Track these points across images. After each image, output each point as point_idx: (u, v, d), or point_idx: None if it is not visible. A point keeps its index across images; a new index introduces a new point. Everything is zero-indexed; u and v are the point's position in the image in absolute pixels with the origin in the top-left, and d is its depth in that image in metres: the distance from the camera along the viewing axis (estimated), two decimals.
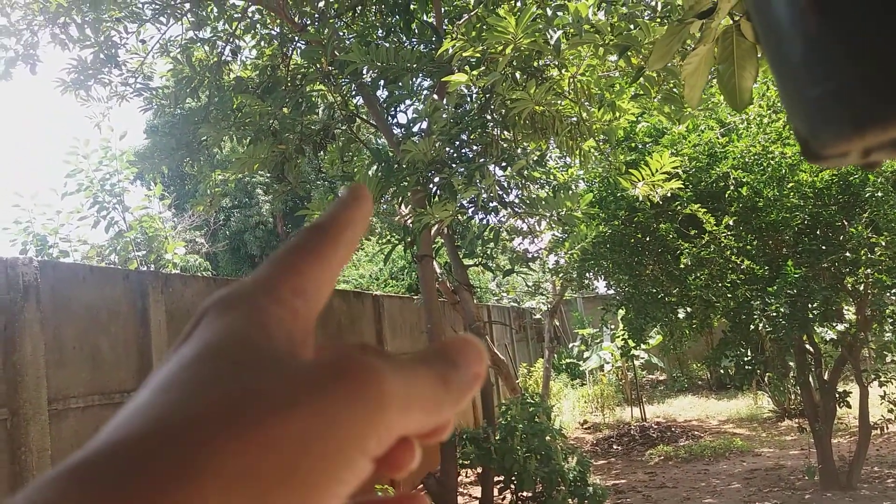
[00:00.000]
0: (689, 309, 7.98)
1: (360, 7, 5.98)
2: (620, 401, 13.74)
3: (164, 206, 10.10)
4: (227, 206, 19.01)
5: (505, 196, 6.11)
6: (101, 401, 4.20)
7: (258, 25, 6.66)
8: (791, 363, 8.28)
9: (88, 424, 4.08)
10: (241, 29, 6.53)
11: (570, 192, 6.61)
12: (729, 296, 7.15)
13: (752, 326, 6.94)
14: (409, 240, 6.39)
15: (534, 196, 6.39)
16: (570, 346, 16.84)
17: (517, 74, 4.56)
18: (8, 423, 3.60)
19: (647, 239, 7.81)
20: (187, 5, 5.86)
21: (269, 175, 7.34)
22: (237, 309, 0.27)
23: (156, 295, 4.69)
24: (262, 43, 6.83)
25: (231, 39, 6.53)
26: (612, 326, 13.58)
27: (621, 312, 9.55)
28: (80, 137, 7.57)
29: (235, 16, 6.44)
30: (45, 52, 5.80)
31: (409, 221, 6.31)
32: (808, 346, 7.50)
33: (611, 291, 10.12)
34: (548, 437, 6.80)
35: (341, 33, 6.15)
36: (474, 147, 5.86)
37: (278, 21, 6.48)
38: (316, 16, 6.08)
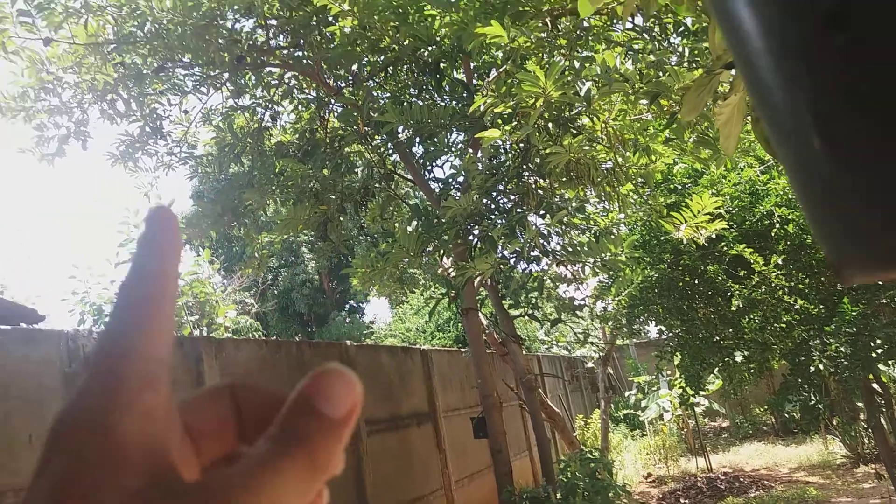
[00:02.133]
0: (745, 352, 7.68)
1: (391, 68, 6.12)
2: (684, 450, 13.21)
3: (213, 270, 10.35)
4: (275, 266, 19.39)
5: (546, 244, 6.05)
6: None
7: (295, 91, 6.88)
8: (860, 405, 7.84)
9: None
10: (279, 95, 6.75)
11: (612, 236, 6.50)
12: (785, 337, 6.86)
13: (812, 368, 6.62)
14: (452, 294, 6.36)
15: (575, 242, 6.31)
16: (627, 394, 16.36)
17: (549, 126, 4.55)
18: None
19: (696, 282, 7.61)
20: (226, 75, 6.09)
21: (312, 234, 7.45)
22: (83, 431, 0.26)
23: (210, 361, 4.76)
24: (300, 107, 7.04)
25: (270, 106, 6.75)
26: (668, 373, 13.18)
27: (677, 358, 9.26)
28: (131, 207, 7.86)
29: (273, 83, 6.67)
30: (94, 128, 6.08)
31: (452, 274, 6.29)
32: (875, 386, 7.10)
33: (663, 337, 9.84)
34: (611, 494, 6.56)
35: (375, 94, 6.29)
36: (511, 197, 5.85)
37: (314, 85, 6.68)
38: (350, 78, 6.25)
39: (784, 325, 6.86)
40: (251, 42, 5.79)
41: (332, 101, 6.52)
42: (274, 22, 5.80)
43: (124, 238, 7.89)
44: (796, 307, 6.68)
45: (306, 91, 6.90)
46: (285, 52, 6.19)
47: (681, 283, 7.70)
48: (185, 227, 7.37)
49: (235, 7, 5.25)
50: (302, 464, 0.27)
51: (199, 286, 8.22)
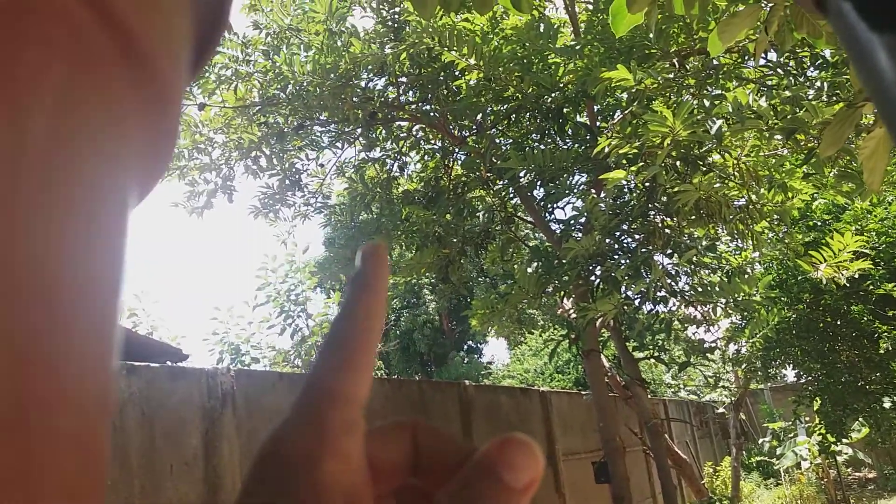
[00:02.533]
0: (895, 398, 7.11)
1: (514, 116, 6.27)
2: (824, 502, 12.23)
3: None
4: (397, 308, 19.88)
5: (674, 284, 5.91)
6: None
7: (422, 142, 7.18)
8: None
9: None
10: (407, 147, 7.07)
11: (746, 275, 6.26)
12: None
13: None
14: (573, 335, 6.32)
15: (706, 282, 6.13)
16: (760, 441, 15.39)
17: (677, 164, 4.51)
18: None
19: (838, 322, 7.15)
20: (359, 130, 6.47)
21: (434, 276, 7.67)
22: (290, 468, 0.27)
23: None
24: (426, 157, 7.34)
25: (398, 157, 7.08)
26: (807, 419, 12.31)
27: (816, 404, 8.67)
28: (269, 254, 8.41)
29: (402, 135, 7.00)
30: (238, 182, 6.59)
31: (573, 316, 6.26)
32: None
33: (801, 381, 9.26)
34: None
35: (498, 140, 6.46)
36: (636, 237, 5.79)
37: (440, 136, 6.95)
38: (474, 128, 6.46)
39: None
40: (383, 99, 6.13)
41: (457, 149, 6.76)
42: (404, 79, 6.13)
43: (262, 282, 8.42)
44: None
45: (432, 142, 7.20)
46: (414, 106, 6.50)
47: (821, 325, 7.27)
48: (317, 271, 7.78)
49: (369, 67, 5.60)
50: None
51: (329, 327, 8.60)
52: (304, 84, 5.46)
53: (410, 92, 6.52)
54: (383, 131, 6.88)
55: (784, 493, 12.91)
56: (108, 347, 0.17)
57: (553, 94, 5.55)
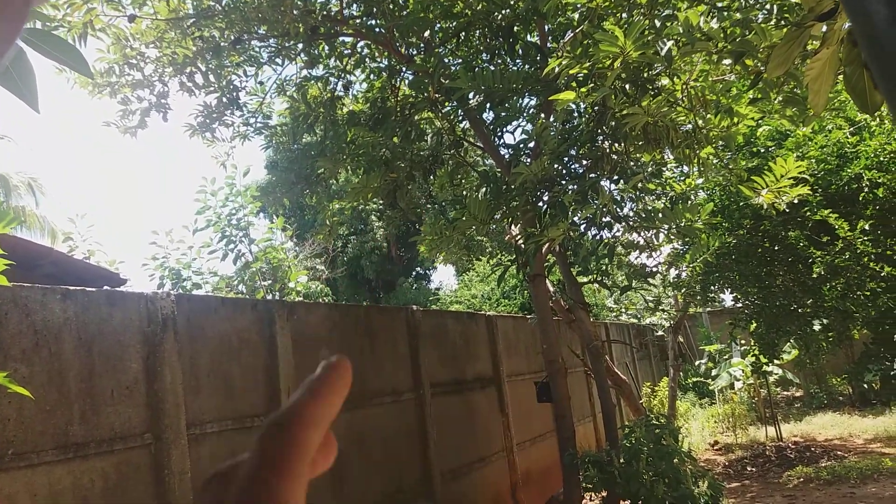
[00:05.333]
0: (825, 321, 7.44)
1: (463, 33, 6.06)
2: (754, 420, 12.96)
3: (286, 237, 10.61)
4: (344, 234, 19.72)
5: (619, 210, 5.95)
6: (234, 426, 4.41)
7: (367, 60, 6.91)
8: None
9: (224, 448, 4.30)
10: (351, 65, 6.80)
11: (690, 202, 6.34)
12: (869, 305, 6.60)
13: None
14: (521, 261, 6.35)
15: (650, 208, 6.18)
16: (697, 363, 16.11)
17: (627, 87, 4.44)
18: (152, 448, 3.85)
19: (776, 248, 7.37)
20: (300, 46, 6.16)
21: (382, 202, 7.55)
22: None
23: (282, 322, 4.90)
24: (372, 76, 7.08)
25: (343, 75, 6.81)
26: (742, 342, 12.86)
27: (751, 326, 9.03)
28: (208, 177, 8.10)
29: (346, 52, 6.71)
30: (173, 100, 6.27)
31: (521, 241, 6.27)
32: None
33: (738, 305, 9.60)
34: (676, 460, 6.51)
35: (446, 60, 6.26)
36: (584, 162, 5.76)
37: (386, 54, 6.69)
38: (422, 46, 6.23)
39: (868, 293, 6.61)
40: (325, 12, 5.83)
41: (404, 69, 6.53)
42: None
43: (201, 206, 8.15)
44: (883, 274, 6.41)
45: (378, 60, 6.93)
46: (358, 21, 6.21)
47: (759, 250, 7.47)
48: (260, 195, 7.57)
49: None
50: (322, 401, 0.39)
51: (273, 252, 8.45)
52: None
53: (355, 5, 6.22)
54: (326, 47, 6.59)
55: (717, 411, 13.61)
56: None
57: (503, 11, 5.37)
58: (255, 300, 5.32)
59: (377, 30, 6.09)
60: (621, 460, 6.44)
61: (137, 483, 3.74)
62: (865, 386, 12.81)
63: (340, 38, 6.52)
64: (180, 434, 3.97)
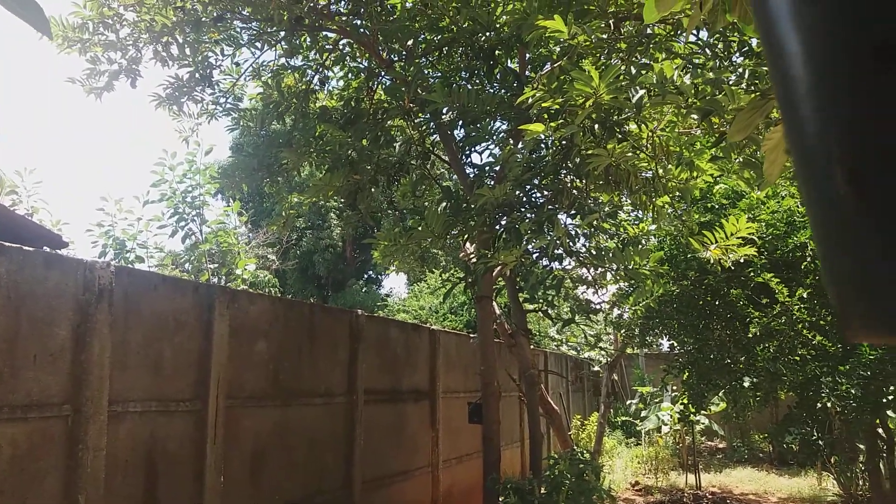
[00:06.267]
0: (754, 379, 7.67)
1: (446, 48, 6.10)
2: (676, 465, 13.24)
3: (240, 222, 10.46)
4: (300, 227, 19.54)
5: (572, 244, 6.05)
6: (158, 407, 4.31)
7: (347, 58, 6.89)
8: (861, 446, 7.82)
9: (144, 429, 4.20)
10: (331, 60, 6.77)
11: (640, 246, 6.48)
12: (798, 370, 6.84)
13: (819, 404, 6.61)
14: (470, 280, 6.39)
15: (602, 247, 6.30)
16: (628, 402, 16.39)
17: (595, 127, 4.54)
18: (69, 420, 3.74)
19: (717, 303, 7.58)
20: (282, 34, 6.11)
21: (342, 201, 7.51)
22: None
23: (221, 309, 4.82)
24: (350, 75, 7.06)
25: (320, 69, 6.77)
26: (674, 388, 13.15)
27: (684, 375, 9.25)
28: (168, 150, 7.93)
29: (327, 47, 6.68)
30: (144, 68, 6.13)
31: (473, 261, 6.31)
32: (880, 431, 7.07)
33: (674, 352, 9.83)
34: (595, 497, 6.60)
35: (426, 72, 6.28)
36: (545, 193, 5.85)
37: (367, 56, 6.69)
38: (403, 53, 6.25)
39: (798, 359, 6.84)
40: (312, 4, 5.80)
41: (382, 73, 6.53)
42: None
43: (157, 178, 7.98)
44: (814, 342, 6.64)
45: (358, 60, 6.92)
46: (344, 18, 6.20)
47: (701, 303, 7.67)
48: (219, 177, 7.45)
49: None
50: None
51: (224, 236, 8.32)
52: None
53: (342, 2, 6.20)
54: (308, 39, 6.55)
55: (642, 452, 13.85)
56: None
57: (488, 34, 5.42)
58: (197, 283, 5.22)
59: (361, 30, 6.08)
60: (542, 490, 6.51)
61: (48, 454, 3.62)
62: (785, 447, 13.23)
63: (323, 33, 6.49)
64: (101, 409, 3.87)
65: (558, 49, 4.82)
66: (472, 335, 9.41)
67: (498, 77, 5.92)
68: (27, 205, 7.49)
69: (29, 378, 3.56)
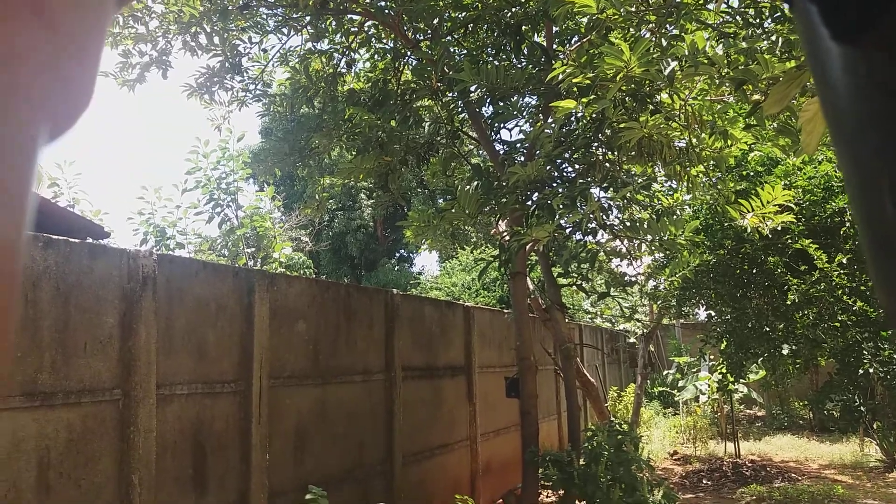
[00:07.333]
0: (794, 346, 7.59)
1: (472, 26, 6.07)
2: (714, 434, 13.18)
3: (274, 206, 10.59)
4: (332, 209, 19.69)
5: (606, 218, 6.02)
6: (204, 389, 4.45)
7: (373, 40, 6.89)
8: None
9: (191, 411, 4.34)
10: (357, 42, 6.77)
11: (675, 217, 6.43)
12: (838, 336, 6.75)
13: (861, 370, 6.53)
14: (504, 257, 6.41)
15: (636, 219, 6.25)
16: (665, 373, 16.32)
17: (627, 100, 4.49)
18: (120, 404, 3.88)
19: (754, 271, 7.49)
20: (307, 18, 6.14)
21: (373, 182, 7.56)
22: None
23: (261, 292, 4.92)
24: (376, 57, 7.06)
25: (347, 52, 6.78)
26: (711, 358, 13.05)
27: (722, 345, 9.19)
28: (202, 138, 8.05)
29: (353, 30, 6.69)
30: (175, 59, 6.21)
31: (506, 238, 6.32)
32: None
33: (711, 321, 9.75)
34: (634, 467, 6.64)
35: (452, 50, 6.26)
36: (577, 167, 5.82)
37: (392, 36, 6.68)
38: (429, 33, 6.23)
39: (838, 325, 6.75)
40: None
41: (409, 53, 6.52)
42: None
43: (192, 166, 8.12)
44: (854, 308, 6.54)
45: (384, 41, 6.91)
46: (368, 0, 6.20)
47: (738, 271, 7.59)
48: (252, 162, 7.55)
49: None
50: None
51: (259, 220, 8.44)
52: None
53: None
54: (333, 22, 6.56)
55: (680, 422, 13.82)
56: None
57: (514, 9, 5.38)
58: (237, 268, 5.34)
59: (386, 11, 6.07)
60: (581, 462, 6.56)
61: (102, 437, 3.77)
62: (826, 413, 13.08)
63: (348, 16, 6.50)
64: (149, 393, 4.00)
65: (586, 21, 4.76)
66: (506, 311, 9.45)
67: (525, 52, 5.87)
68: (68, 196, 7.69)
69: (81, 365, 3.70)
